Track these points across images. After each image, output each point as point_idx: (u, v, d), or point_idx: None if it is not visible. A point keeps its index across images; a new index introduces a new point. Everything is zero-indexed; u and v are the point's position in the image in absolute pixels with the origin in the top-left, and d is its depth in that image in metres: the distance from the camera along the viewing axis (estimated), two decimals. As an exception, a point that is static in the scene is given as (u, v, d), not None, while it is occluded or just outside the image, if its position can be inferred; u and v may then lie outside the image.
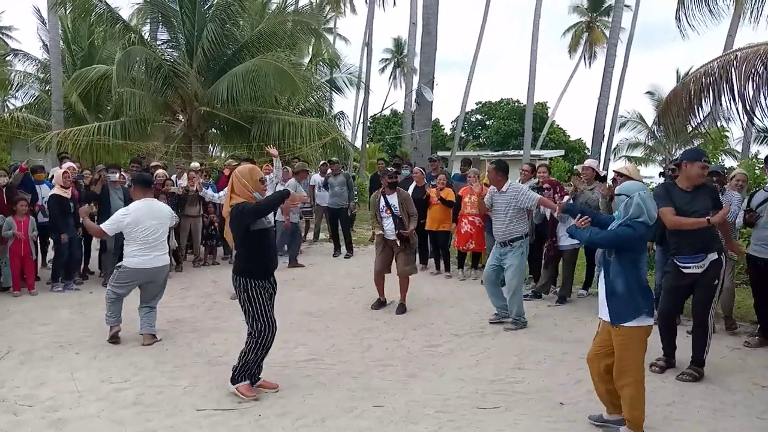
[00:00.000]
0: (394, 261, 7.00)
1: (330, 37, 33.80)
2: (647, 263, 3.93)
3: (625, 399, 3.69)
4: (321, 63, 20.50)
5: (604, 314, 3.78)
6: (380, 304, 7.13)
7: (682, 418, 4.05)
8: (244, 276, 4.21)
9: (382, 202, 6.90)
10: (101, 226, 5.48)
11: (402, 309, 6.93)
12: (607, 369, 3.78)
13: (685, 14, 7.58)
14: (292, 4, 17.82)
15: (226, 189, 4.53)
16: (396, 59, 44.19)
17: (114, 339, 5.54)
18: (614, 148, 28.13)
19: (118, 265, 5.63)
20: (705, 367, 4.85)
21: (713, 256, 4.69)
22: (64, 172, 7.58)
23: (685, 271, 4.76)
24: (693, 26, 7.60)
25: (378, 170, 11.43)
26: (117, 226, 5.40)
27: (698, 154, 4.81)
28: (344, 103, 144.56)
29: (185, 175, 9.80)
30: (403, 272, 6.89)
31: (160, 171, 9.33)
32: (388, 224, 6.88)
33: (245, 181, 4.24)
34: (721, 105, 5.93)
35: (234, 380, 4.33)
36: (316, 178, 11.36)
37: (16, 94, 20.32)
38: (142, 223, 5.40)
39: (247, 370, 4.33)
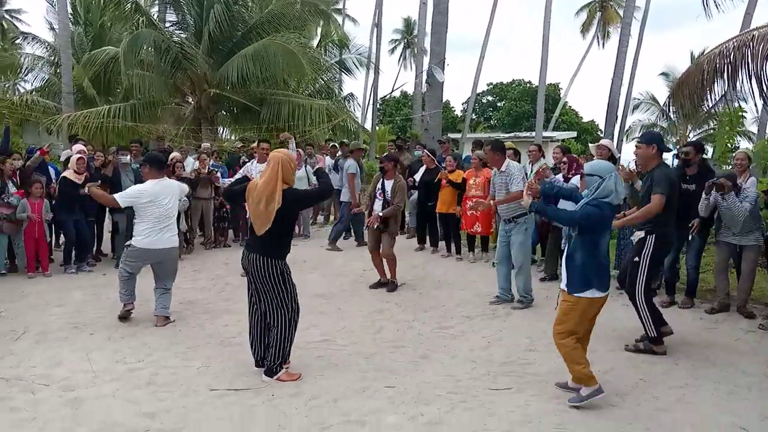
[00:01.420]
0: None
1: (339, 18, 33.51)
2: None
3: (563, 358, 3.99)
4: (330, 44, 20.36)
5: (563, 283, 4.02)
6: (380, 284, 7.22)
7: (696, 401, 4.04)
8: (282, 258, 4.29)
9: (379, 185, 7.15)
10: (115, 196, 5.54)
11: (392, 287, 7.08)
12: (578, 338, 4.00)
13: None
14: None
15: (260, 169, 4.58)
16: (406, 40, 43.75)
17: (125, 315, 5.61)
18: (627, 130, 27.78)
19: (127, 243, 5.67)
20: (719, 350, 4.88)
21: (640, 234, 4.94)
22: (80, 158, 7.58)
23: (632, 238, 5.17)
24: (718, 4, 7.45)
25: (390, 151, 11.37)
26: (131, 200, 5.45)
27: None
28: (354, 84, 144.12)
29: (190, 159, 9.80)
30: (384, 254, 7.09)
31: (175, 154, 9.34)
32: (378, 206, 7.10)
33: (291, 168, 4.29)
34: (735, 87, 5.82)
35: (274, 371, 4.31)
36: (327, 160, 11.32)
37: (27, 78, 20.35)
38: (157, 203, 5.42)
39: (287, 354, 4.36)
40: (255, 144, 9.32)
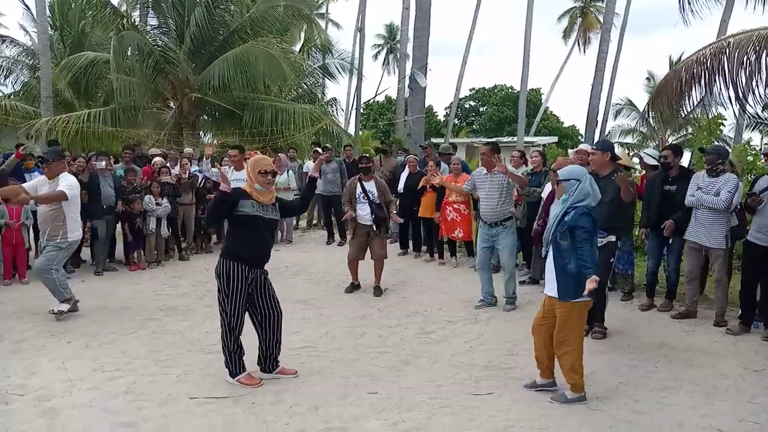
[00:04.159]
0: (368, 248, 7.15)
1: (322, 23, 33.54)
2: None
3: (565, 366, 4.02)
4: (313, 49, 20.31)
5: (551, 291, 4.08)
6: (353, 287, 7.23)
7: (675, 403, 4.08)
8: (225, 257, 4.24)
9: (359, 189, 7.02)
10: (63, 188, 5.71)
11: (378, 291, 7.07)
12: (550, 337, 4.12)
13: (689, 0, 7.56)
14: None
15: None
16: (389, 45, 43.88)
17: (76, 308, 5.98)
18: (607, 135, 28.05)
19: (60, 242, 5.80)
20: (698, 352, 5.00)
21: (612, 238, 5.20)
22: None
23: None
24: (695, 11, 7.56)
25: (345, 156, 11.50)
26: (75, 191, 5.84)
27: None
28: (337, 89, 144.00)
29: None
30: (377, 257, 7.05)
31: (157, 159, 9.26)
32: (364, 210, 7.00)
33: (249, 171, 4.31)
34: (711, 93, 5.93)
35: (231, 374, 4.32)
36: (309, 165, 11.29)
37: (5, 82, 20.04)
38: (78, 195, 5.94)
39: (227, 362, 4.33)
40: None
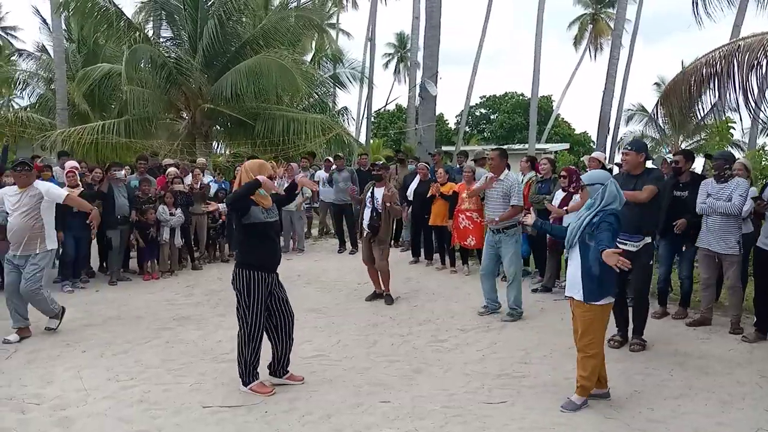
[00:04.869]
0: None
1: (333, 33, 33.75)
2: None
3: (585, 368, 4.00)
4: (324, 58, 20.45)
5: (576, 294, 4.06)
6: (375, 295, 7.22)
7: (690, 411, 4.03)
8: (244, 267, 4.24)
9: (369, 193, 7.11)
10: (62, 191, 5.85)
11: (389, 300, 7.06)
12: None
13: (703, 1, 7.50)
14: (294, 1, 17.77)
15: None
16: (399, 54, 44.01)
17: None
18: (619, 141, 27.91)
19: (40, 255, 5.58)
20: (713, 360, 4.93)
21: (648, 240, 5.17)
22: (68, 171, 7.57)
23: (623, 247, 5.08)
24: (710, 14, 7.49)
25: (360, 165, 11.61)
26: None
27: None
28: (348, 98, 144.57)
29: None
30: (378, 266, 7.06)
31: (171, 169, 9.35)
32: (367, 214, 7.08)
33: (252, 175, 4.26)
34: (721, 97, 5.87)
35: (244, 382, 4.34)
36: (321, 173, 11.35)
37: (22, 94, 20.39)
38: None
39: (243, 371, 4.34)
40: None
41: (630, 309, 5.43)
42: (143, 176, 8.92)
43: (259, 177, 4.21)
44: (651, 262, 5.33)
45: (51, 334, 5.67)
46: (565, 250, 4.37)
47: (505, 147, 25.85)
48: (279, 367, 4.50)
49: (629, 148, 5.37)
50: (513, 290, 6.34)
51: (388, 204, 6.91)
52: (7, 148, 8.83)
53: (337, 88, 19.65)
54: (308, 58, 22.06)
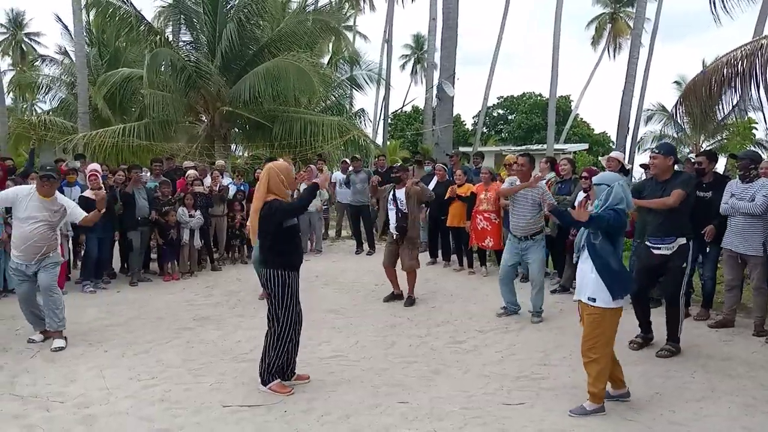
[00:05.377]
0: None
1: (349, 35, 33.81)
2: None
3: (591, 373, 3.93)
4: (341, 61, 20.53)
5: (583, 296, 4.03)
6: (393, 296, 7.21)
7: (713, 414, 3.98)
8: (281, 268, 4.28)
9: (391, 195, 7.08)
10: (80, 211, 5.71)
11: (410, 302, 7.03)
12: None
13: None
14: (312, 4, 17.86)
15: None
16: (416, 55, 44.03)
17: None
18: (639, 141, 27.59)
19: (55, 258, 5.51)
20: (736, 362, 4.84)
21: (682, 240, 5.02)
22: (91, 174, 7.67)
23: (655, 252, 5.11)
24: (727, 10, 7.33)
25: (378, 166, 11.51)
26: None
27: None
28: (365, 100, 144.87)
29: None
30: (406, 267, 7.02)
31: (191, 172, 9.44)
32: (392, 216, 7.05)
33: (283, 177, 4.31)
34: (742, 97, 5.78)
35: (265, 381, 4.36)
36: (338, 175, 11.39)
37: (44, 98, 20.79)
38: None
39: (273, 369, 4.37)
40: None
41: (651, 311, 5.38)
42: (158, 179, 9.01)
43: (316, 180, 4.41)
44: (685, 266, 5.10)
45: (73, 332, 5.73)
46: (574, 255, 4.30)
47: (523, 148, 25.72)
48: (288, 370, 4.52)
49: (657, 151, 5.22)
50: (540, 295, 6.31)
51: (416, 184, 6.93)
52: (34, 151, 8.99)
53: (354, 90, 19.71)
54: (325, 60, 22.15)
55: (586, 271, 4.04)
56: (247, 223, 4.76)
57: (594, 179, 4.24)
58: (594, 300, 3.94)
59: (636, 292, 5.20)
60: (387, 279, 7.28)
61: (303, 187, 4.99)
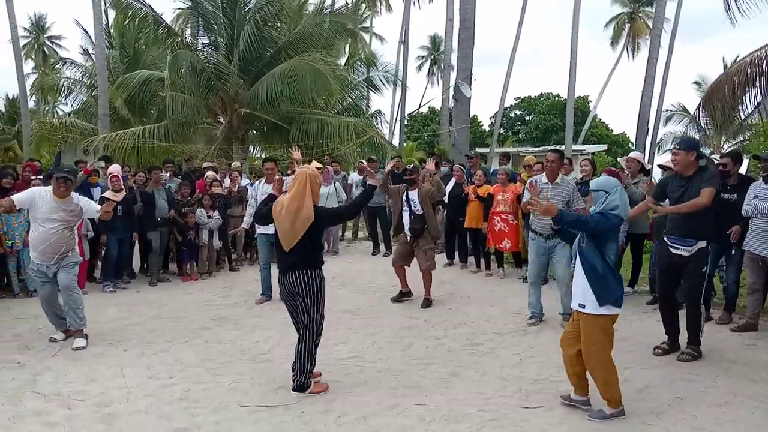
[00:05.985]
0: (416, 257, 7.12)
1: (366, 36, 33.92)
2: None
3: (597, 381, 3.90)
4: (358, 62, 20.58)
5: (575, 302, 3.99)
6: (401, 295, 7.21)
7: (736, 419, 3.91)
8: (320, 269, 4.39)
9: (404, 197, 7.06)
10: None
11: (427, 303, 7.00)
12: (578, 353, 3.98)
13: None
14: (329, 6, 17.96)
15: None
16: (433, 56, 43.97)
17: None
18: (659, 142, 27.26)
19: (74, 258, 5.57)
20: (759, 367, 4.74)
21: (702, 243, 4.91)
22: (112, 176, 7.75)
23: (673, 251, 5.00)
24: (743, 11, 7.20)
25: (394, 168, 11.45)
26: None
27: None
28: (381, 101, 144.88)
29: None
30: (423, 268, 7.01)
31: (209, 173, 9.52)
32: (406, 218, 7.04)
33: (320, 181, 4.48)
34: (766, 97, 5.70)
35: (303, 387, 4.34)
36: (354, 176, 11.41)
37: (66, 101, 21.13)
38: None
39: (312, 367, 4.40)
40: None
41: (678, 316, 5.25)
42: (172, 180, 9.09)
43: (372, 182, 4.71)
44: (705, 269, 4.99)
45: (94, 332, 5.80)
46: (572, 262, 4.24)
47: (541, 148, 25.47)
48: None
49: (678, 147, 5.02)
50: (568, 295, 6.18)
51: (430, 178, 6.95)
52: (60, 154, 9.14)
53: (370, 92, 19.76)
54: (342, 61, 22.22)
55: (578, 277, 4.00)
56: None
57: (592, 185, 4.14)
58: (583, 306, 3.90)
59: (661, 295, 5.13)
60: (411, 281, 7.23)
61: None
